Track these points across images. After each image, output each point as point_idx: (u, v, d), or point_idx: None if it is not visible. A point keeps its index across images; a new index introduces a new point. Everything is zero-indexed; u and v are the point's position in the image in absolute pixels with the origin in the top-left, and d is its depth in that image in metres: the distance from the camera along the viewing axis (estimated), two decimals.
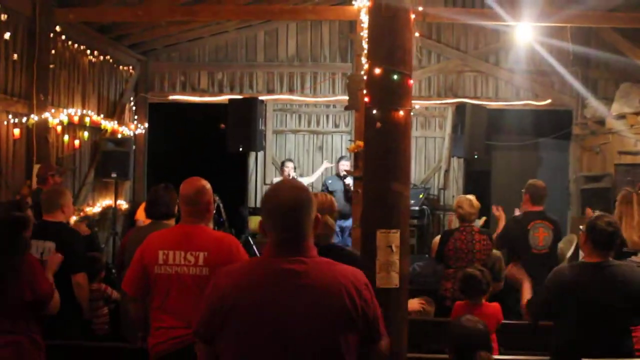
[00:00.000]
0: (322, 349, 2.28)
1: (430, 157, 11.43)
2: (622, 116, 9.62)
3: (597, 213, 3.97)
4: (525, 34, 8.85)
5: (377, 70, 3.47)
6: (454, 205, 6.22)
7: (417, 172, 11.13)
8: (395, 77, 3.46)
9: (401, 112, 3.47)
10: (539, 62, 10.70)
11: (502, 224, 6.28)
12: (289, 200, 2.36)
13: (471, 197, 6.05)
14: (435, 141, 11.43)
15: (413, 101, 10.24)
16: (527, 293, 4.20)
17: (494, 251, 6.10)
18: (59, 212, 4.99)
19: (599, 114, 10.17)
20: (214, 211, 4.33)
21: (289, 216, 2.35)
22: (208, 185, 3.91)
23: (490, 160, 12.96)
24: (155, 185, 4.97)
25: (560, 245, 6.70)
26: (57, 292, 3.91)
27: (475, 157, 9.33)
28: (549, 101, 11.06)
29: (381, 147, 3.49)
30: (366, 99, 3.55)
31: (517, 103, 11.16)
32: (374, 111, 3.48)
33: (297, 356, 2.26)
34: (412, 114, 3.60)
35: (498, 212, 6.55)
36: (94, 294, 5.32)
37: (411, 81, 3.52)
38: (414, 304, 5.15)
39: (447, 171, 10.82)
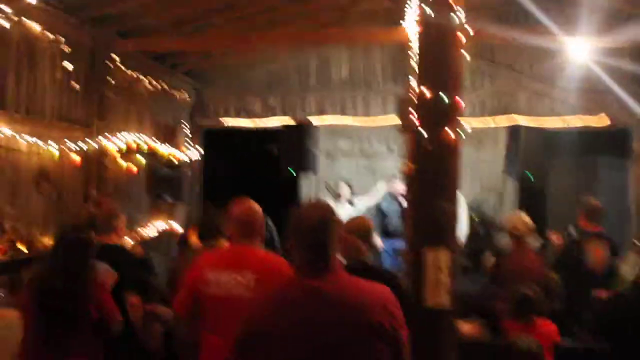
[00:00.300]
0: None
1: (484, 177, 11.26)
2: None
3: None
4: (580, 52, 8.68)
5: (427, 93, 3.49)
6: (507, 225, 6.12)
7: (470, 192, 10.96)
8: (445, 99, 3.47)
9: (450, 134, 3.47)
10: (596, 81, 10.45)
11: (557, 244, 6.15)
12: (314, 221, 2.42)
13: (524, 216, 5.94)
14: (488, 162, 11.27)
15: (467, 121, 10.18)
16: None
17: (551, 274, 5.96)
18: (114, 234, 5.13)
19: None
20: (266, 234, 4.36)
21: (314, 236, 2.40)
22: (258, 207, 3.95)
23: (546, 180, 12.70)
24: (206, 209, 5.08)
25: (624, 267, 6.51)
26: (120, 315, 4.00)
27: (532, 180, 9.16)
28: (606, 120, 10.77)
29: (431, 168, 3.51)
30: (417, 122, 3.56)
31: (575, 122, 10.89)
32: (424, 133, 3.49)
33: None
34: (465, 134, 3.60)
35: (556, 238, 6.40)
36: (148, 316, 5.41)
37: (462, 103, 3.53)
38: (470, 328, 5.08)
39: (501, 192, 10.59)
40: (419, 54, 3.54)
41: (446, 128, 3.42)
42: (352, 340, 2.27)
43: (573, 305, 5.43)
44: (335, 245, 2.43)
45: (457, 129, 3.49)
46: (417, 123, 3.52)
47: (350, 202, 9.73)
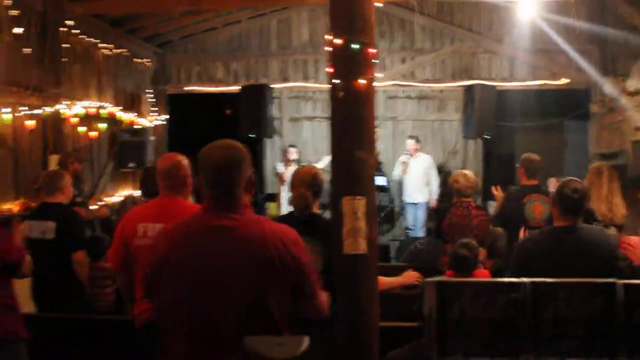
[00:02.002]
0: (247, 300, 2.32)
1: (447, 140, 11.41)
2: (637, 92, 9.46)
3: (567, 178, 3.98)
4: (528, 10, 8.76)
5: (338, 41, 3.54)
6: (450, 180, 6.24)
7: (434, 155, 11.11)
8: (356, 46, 3.52)
9: (362, 81, 3.54)
10: (555, 41, 10.57)
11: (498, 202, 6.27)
12: (220, 159, 2.44)
13: (467, 171, 6.07)
14: (451, 124, 11.40)
15: (428, 84, 10.31)
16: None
17: (497, 228, 6.09)
18: (59, 193, 5.21)
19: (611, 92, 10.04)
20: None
21: (219, 174, 2.43)
22: (185, 160, 4.01)
23: (513, 144, 12.90)
24: (147, 168, 5.13)
25: None
26: (29, 256, 4.05)
27: (486, 137, 9.30)
28: (566, 80, 10.93)
29: (344, 116, 3.57)
30: (329, 70, 3.62)
31: (534, 83, 11.05)
32: (336, 81, 3.56)
33: (223, 307, 2.31)
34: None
35: (497, 192, 6.54)
36: (99, 272, 5.49)
37: (372, 50, 3.58)
38: (411, 277, 5.12)
39: (456, 152, 10.76)
40: (329, 2, 3.58)
41: (358, 76, 3.47)
42: (247, 273, 2.31)
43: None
44: (242, 184, 2.46)
45: (370, 77, 3.54)
46: (330, 72, 3.57)
47: (299, 163, 9.93)
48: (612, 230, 5.01)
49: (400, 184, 10.80)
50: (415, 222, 10.29)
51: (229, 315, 2.29)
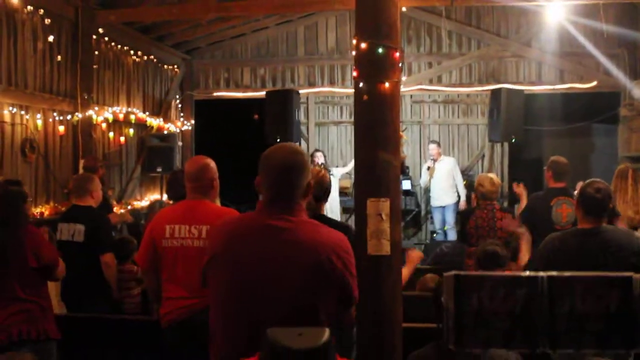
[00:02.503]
0: (296, 304, 2.32)
1: (473, 144, 11.39)
2: None
3: (590, 180, 3.96)
4: (556, 13, 8.72)
5: (363, 45, 3.59)
6: (475, 184, 6.23)
7: (460, 159, 11.10)
8: (381, 50, 3.57)
9: (387, 84, 3.58)
10: (583, 45, 10.50)
11: (523, 201, 6.24)
12: (283, 161, 2.46)
13: (492, 175, 6.07)
14: (477, 128, 11.38)
15: (454, 88, 10.30)
16: (525, 253, 4.21)
17: (522, 230, 6.06)
18: (89, 197, 5.31)
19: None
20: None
21: (281, 176, 2.44)
22: (212, 164, 4.07)
23: (541, 148, 12.83)
24: (173, 172, 5.21)
25: None
26: (62, 260, 4.15)
27: (513, 141, 9.24)
28: (594, 83, 10.84)
29: (368, 119, 3.61)
30: (354, 73, 3.67)
31: (562, 87, 10.98)
32: (361, 84, 3.60)
33: (270, 308, 2.32)
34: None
35: (518, 188, 6.51)
36: (125, 275, 5.58)
37: (397, 54, 3.62)
38: (414, 258, 4.93)
39: (483, 156, 10.70)
40: (355, 7, 3.62)
41: (383, 79, 3.51)
42: (296, 277, 2.32)
43: None
44: (301, 187, 2.45)
45: (395, 80, 3.58)
46: (355, 75, 3.62)
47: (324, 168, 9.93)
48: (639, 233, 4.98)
49: (426, 190, 10.81)
50: (445, 224, 10.27)
51: (275, 317, 2.28)
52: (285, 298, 2.33)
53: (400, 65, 3.68)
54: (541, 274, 1.56)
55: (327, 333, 1.45)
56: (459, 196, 10.22)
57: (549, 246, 3.83)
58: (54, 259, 4.05)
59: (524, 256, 4.17)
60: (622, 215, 4.85)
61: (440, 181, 10.19)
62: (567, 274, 1.55)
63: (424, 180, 10.45)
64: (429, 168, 10.15)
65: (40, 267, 3.95)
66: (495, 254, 4.72)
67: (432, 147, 10.30)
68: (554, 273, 1.57)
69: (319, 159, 9.91)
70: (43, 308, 3.95)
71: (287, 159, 2.46)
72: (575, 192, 4.29)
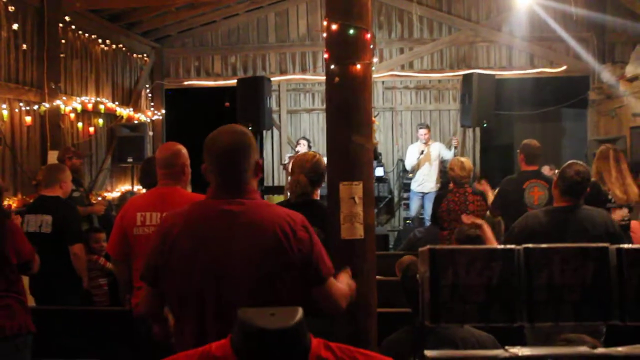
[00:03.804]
0: (255, 284, 2.29)
1: (445, 130, 11.42)
2: (635, 78, 9.45)
3: (571, 161, 4.00)
4: None
5: (334, 26, 3.54)
6: (447, 168, 6.23)
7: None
8: (352, 31, 3.52)
9: (358, 66, 3.53)
10: (553, 29, 10.58)
11: (489, 196, 6.22)
12: (227, 144, 2.40)
13: (463, 159, 6.09)
14: (449, 114, 11.41)
15: (425, 74, 10.26)
16: (491, 239, 4.23)
17: (478, 221, 6.06)
18: (57, 187, 5.21)
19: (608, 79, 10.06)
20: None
21: (227, 159, 2.40)
22: (184, 150, 4.00)
23: (512, 133, 12.92)
24: (147, 158, 5.13)
25: None
26: (37, 255, 4.07)
27: (484, 125, 9.28)
28: (564, 68, 10.93)
29: (340, 101, 3.57)
30: (325, 55, 3.62)
31: (532, 71, 11.06)
32: (332, 66, 3.55)
33: (232, 292, 2.29)
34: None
35: (481, 186, 6.51)
36: (89, 265, 5.49)
37: (368, 35, 3.58)
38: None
39: (455, 137, 10.66)
40: None
41: (355, 61, 3.47)
42: (255, 256, 2.29)
43: None
44: (249, 169, 2.41)
45: (367, 61, 3.54)
46: (326, 57, 3.57)
47: None
48: (625, 211, 5.02)
49: (400, 174, 10.80)
50: (424, 213, 10.15)
51: (238, 298, 2.27)
52: (245, 278, 2.29)
53: (371, 47, 3.64)
54: (517, 246, 1.55)
55: (300, 312, 1.42)
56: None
57: (523, 223, 3.86)
58: (31, 254, 3.98)
59: (492, 242, 4.20)
60: (611, 194, 4.89)
61: (426, 166, 9.98)
62: (543, 245, 1.54)
63: (411, 162, 10.08)
64: (422, 152, 9.84)
65: (19, 263, 3.87)
66: (478, 238, 4.71)
67: (423, 132, 9.95)
68: (529, 245, 1.56)
69: (303, 146, 9.83)
70: (21, 302, 3.88)
71: (231, 141, 2.41)
72: (555, 172, 4.31)
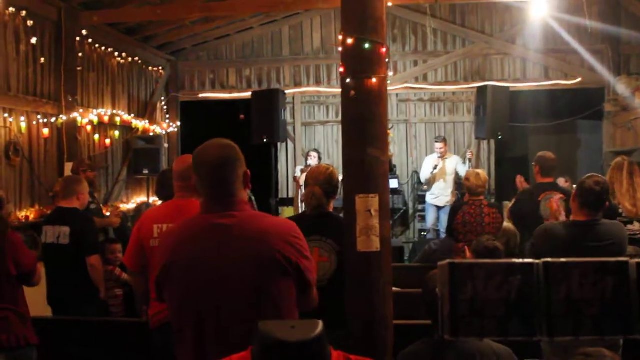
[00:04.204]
0: (252, 295, 2.32)
1: (459, 142, 11.41)
2: None
3: (589, 174, 3.99)
4: (540, 9, 8.77)
5: (349, 40, 3.56)
6: (463, 179, 6.23)
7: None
8: (367, 45, 3.54)
9: (374, 80, 3.55)
10: (567, 41, 10.58)
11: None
12: (215, 158, 2.44)
13: (479, 170, 6.08)
14: (464, 126, 11.41)
15: (440, 87, 10.28)
16: None
17: (509, 226, 6.07)
18: (74, 198, 5.26)
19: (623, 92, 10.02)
20: None
21: (215, 172, 2.43)
22: None
23: (527, 145, 12.89)
24: (162, 172, 5.17)
25: None
26: (41, 265, 4.09)
27: (499, 138, 9.26)
28: (578, 80, 10.91)
29: (356, 115, 3.59)
30: (341, 69, 3.64)
31: (546, 83, 11.04)
32: (348, 80, 3.58)
33: (230, 303, 2.32)
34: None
35: (520, 182, 6.56)
36: (105, 276, 5.53)
37: (384, 49, 3.60)
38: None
39: (470, 150, 10.57)
40: (341, 2, 3.60)
41: (370, 75, 3.49)
42: (249, 269, 2.31)
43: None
44: (238, 181, 2.43)
45: (382, 75, 3.56)
46: (341, 71, 3.59)
47: None
48: (637, 225, 5.00)
49: (414, 186, 10.80)
50: (440, 225, 10.11)
51: (236, 310, 2.31)
52: (241, 291, 2.32)
53: (387, 60, 3.66)
54: (536, 260, 1.56)
55: (320, 325, 1.43)
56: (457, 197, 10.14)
57: (544, 238, 3.84)
58: (32, 265, 3.99)
59: None
60: (621, 207, 4.87)
61: (441, 180, 9.92)
62: (562, 260, 1.55)
63: (425, 175, 10.03)
64: (435, 167, 9.78)
65: (19, 274, 3.89)
66: (496, 250, 4.68)
67: (439, 146, 9.87)
68: (549, 260, 1.56)
69: (314, 159, 9.85)
70: (20, 314, 3.89)
71: (218, 154, 2.45)
72: (573, 186, 4.30)
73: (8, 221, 4.29)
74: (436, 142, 10.09)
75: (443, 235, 9.52)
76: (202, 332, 2.33)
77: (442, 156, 9.92)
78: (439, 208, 10.06)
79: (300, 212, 9.53)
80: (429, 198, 10.16)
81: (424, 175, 10.10)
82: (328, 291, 3.56)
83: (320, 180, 4.02)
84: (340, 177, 3.85)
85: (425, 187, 10.26)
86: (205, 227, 2.40)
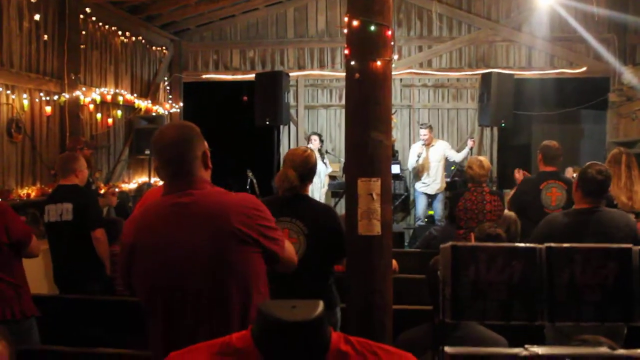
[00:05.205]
0: (215, 269, 2.30)
1: (463, 128, 11.37)
2: None
3: (590, 162, 3.98)
4: None
5: (355, 23, 3.54)
6: (465, 166, 6.21)
7: (449, 143, 11.07)
8: (373, 28, 3.52)
9: (379, 63, 3.53)
10: (574, 30, 10.52)
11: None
12: (171, 138, 2.43)
13: (482, 158, 6.05)
14: (467, 112, 11.36)
15: (444, 73, 10.21)
16: None
17: (510, 213, 6.06)
18: (73, 176, 5.26)
19: (630, 81, 9.96)
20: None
21: (171, 152, 2.41)
22: None
23: (530, 133, 12.85)
24: None
25: None
26: (35, 237, 4.08)
27: (502, 125, 9.23)
28: (584, 69, 10.85)
29: (360, 97, 3.57)
30: (346, 51, 3.62)
31: (552, 72, 10.98)
32: (352, 62, 3.56)
33: (193, 280, 2.31)
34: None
35: (519, 174, 6.52)
36: (115, 257, 5.54)
37: (389, 32, 3.58)
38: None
39: (472, 138, 10.47)
40: None
41: (375, 57, 3.47)
42: (211, 244, 2.30)
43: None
44: (196, 158, 2.43)
45: (387, 58, 3.54)
46: (346, 53, 3.57)
47: (320, 153, 9.83)
48: (632, 217, 4.98)
49: (415, 175, 10.78)
50: (435, 212, 10.08)
51: (201, 286, 2.30)
52: (205, 267, 2.30)
53: (392, 44, 3.64)
54: (539, 245, 1.55)
55: (321, 305, 1.42)
56: (447, 183, 10.11)
57: (546, 226, 3.84)
58: (25, 234, 3.97)
59: None
60: (617, 200, 4.86)
61: (430, 167, 9.81)
62: (565, 245, 1.54)
63: (411, 163, 9.95)
64: (420, 155, 9.69)
65: (11, 243, 3.87)
66: (498, 237, 4.68)
67: (424, 132, 9.77)
68: (552, 244, 1.55)
69: (315, 142, 9.81)
70: (16, 287, 3.88)
71: (173, 135, 2.44)
72: (574, 176, 4.29)
73: None
74: (421, 128, 9.96)
75: (438, 224, 9.52)
76: (170, 310, 2.32)
77: (428, 143, 9.76)
78: (430, 196, 9.98)
79: None
80: (419, 186, 10.02)
81: (410, 164, 10.00)
82: (299, 271, 3.57)
83: (296, 162, 3.95)
84: (341, 162, 3.82)
85: (414, 175, 10.18)
86: (164, 207, 2.40)
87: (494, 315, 1.52)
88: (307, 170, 3.97)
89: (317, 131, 10.87)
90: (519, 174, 6.61)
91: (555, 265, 1.50)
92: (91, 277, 5.22)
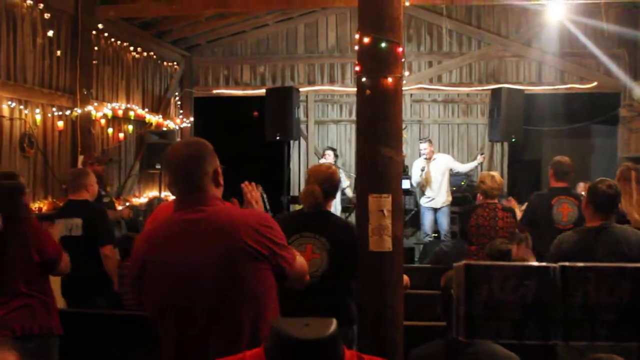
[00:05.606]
0: (226, 286, 2.30)
1: (473, 144, 11.37)
2: None
3: (600, 178, 3.96)
4: (557, 12, 8.73)
5: (366, 39, 3.55)
6: (477, 181, 6.20)
7: (459, 159, 11.07)
8: (384, 45, 3.53)
9: (390, 79, 3.54)
10: (584, 45, 10.52)
11: (518, 213, 6.16)
12: (182, 155, 2.45)
13: (494, 173, 6.04)
14: (477, 128, 11.37)
15: (454, 88, 10.21)
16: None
17: (523, 232, 6.04)
18: (84, 191, 5.28)
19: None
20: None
21: (182, 169, 2.43)
22: None
23: (541, 148, 12.83)
24: None
25: None
26: (66, 254, 4.10)
27: (513, 140, 9.21)
28: (594, 84, 10.84)
29: (371, 114, 3.58)
30: (357, 68, 3.64)
31: (562, 87, 10.98)
32: (363, 79, 3.57)
33: (203, 296, 2.31)
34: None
35: (509, 202, 6.44)
36: (125, 270, 5.55)
37: (400, 49, 3.59)
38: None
39: (482, 154, 10.46)
40: (358, 1, 3.59)
41: (386, 74, 3.49)
42: (221, 261, 2.30)
43: (542, 258, 5.51)
44: (207, 175, 2.44)
45: (398, 75, 3.55)
46: (357, 70, 3.59)
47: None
48: None
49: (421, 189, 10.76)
50: (440, 228, 10.02)
51: (211, 302, 2.30)
52: (214, 283, 2.31)
53: (402, 60, 3.65)
54: (553, 265, 1.55)
55: (334, 323, 1.43)
56: (453, 197, 10.04)
57: (561, 246, 3.81)
58: (57, 253, 3.99)
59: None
60: (629, 217, 4.81)
61: (434, 181, 9.73)
62: (579, 264, 1.54)
63: (415, 179, 9.86)
64: (423, 169, 9.63)
65: (43, 262, 3.89)
66: (509, 253, 4.66)
67: (424, 147, 9.72)
68: (566, 263, 1.55)
69: (329, 157, 9.82)
70: (45, 303, 3.89)
71: (183, 151, 2.47)
72: (583, 192, 4.28)
73: (28, 207, 4.28)
74: (421, 143, 9.92)
75: (444, 239, 9.45)
76: (180, 326, 2.32)
77: (429, 158, 9.71)
78: (435, 210, 9.86)
79: None
80: (424, 201, 9.93)
81: (415, 179, 9.91)
82: (320, 287, 3.58)
83: (320, 179, 3.97)
84: (352, 177, 3.84)
85: (421, 190, 10.09)
86: (175, 223, 2.41)
87: (508, 334, 1.52)
88: (331, 187, 3.99)
89: (330, 146, 10.87)
90: (509, 203, 6.54)
91: (569, 285, 1.50)
92: (98, 292, 5.22)
